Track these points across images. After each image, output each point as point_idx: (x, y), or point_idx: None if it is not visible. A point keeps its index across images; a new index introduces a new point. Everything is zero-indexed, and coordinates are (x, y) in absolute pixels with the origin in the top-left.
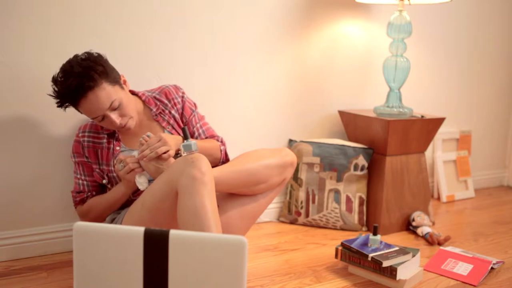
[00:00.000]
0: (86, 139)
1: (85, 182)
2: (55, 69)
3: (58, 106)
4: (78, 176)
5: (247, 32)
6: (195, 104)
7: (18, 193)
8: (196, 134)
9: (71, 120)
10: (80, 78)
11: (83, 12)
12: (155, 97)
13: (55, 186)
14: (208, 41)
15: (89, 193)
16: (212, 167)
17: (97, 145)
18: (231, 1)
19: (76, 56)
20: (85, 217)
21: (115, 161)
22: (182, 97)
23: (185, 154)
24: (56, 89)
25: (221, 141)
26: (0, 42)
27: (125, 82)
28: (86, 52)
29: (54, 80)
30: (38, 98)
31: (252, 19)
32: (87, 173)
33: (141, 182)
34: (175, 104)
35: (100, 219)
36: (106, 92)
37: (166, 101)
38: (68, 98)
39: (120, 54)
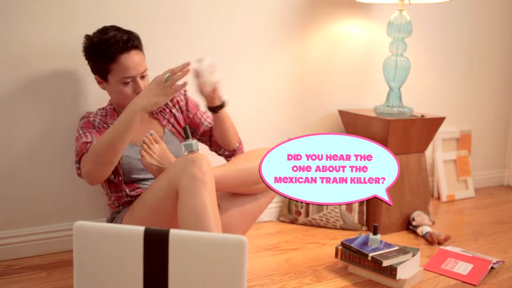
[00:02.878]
0: (97, 119)
1: (90, 138)
2: (55, 69)
3: (92, 58)
4: (84, 140)
5: (247, 32)
6: (198, 104)
7: (18, 193)
8: (206, 123)
9: (70, 119)
10: (129, 36)
11: (83, 12)
12: None
13: (55, 186)
14: (208, 41)
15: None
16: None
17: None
18: (231, 1)
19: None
20: (87, 160)
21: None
22: (185, 95)
23: (186, 154)
24: (101, 39)
25: (240, 143)
26: (0, 42)
27: None
28: None
29: (96, 34)
30: (38, 98)
31: (252, 19)
32: (96, 137)
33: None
34: (177, 102)
35: (101, 157)
36: (143, 59)
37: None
38: (114, 48)
39: None
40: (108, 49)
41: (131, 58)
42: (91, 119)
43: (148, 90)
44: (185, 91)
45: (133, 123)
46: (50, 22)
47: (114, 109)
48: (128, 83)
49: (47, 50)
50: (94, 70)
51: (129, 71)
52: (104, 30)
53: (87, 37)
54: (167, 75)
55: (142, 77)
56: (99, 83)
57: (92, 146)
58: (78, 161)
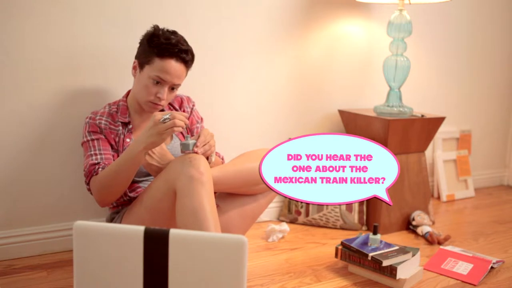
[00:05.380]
0: (103, 122)
1: (98, 156)
2: (58, 69)
3: (146, 43)
4: (92, 153)
5: (247, 31)
6: (201, 119)
7: (18, 192)
8: None
9: (72, 118)
10: (188, 51)
11: (84, 13)
12: (169, 102)
13: (56, 185)
14: (209, 41)
15: (101, 162)
16: None
17: (113, 131)
18: (231, 1)
19: None
20: (96, 192)
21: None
22: (192, 108)
23: (183, 153)
24: (166, 35)
25: (222, 159)
26: (0, 41)
27: None
28: None
29: (165, 30)
30: (38, 97)
31: (252, 19)
32: (103, 147)
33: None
34: (184, 111)
35: (110, 188)
36: (183, 76)
37: (177, 107)
38: (168, 49)
39: (121, 54)
40: (164, 45)
41: (174, 66)
42: (97, 121)
43: (146, 130)
44: (193, 104)
45: (137, 162)
46: (51, 22)
47: (127, 107)
48: (157, 83)
49: (49, 50)
50: (138, 55)
51: (165, 75)
52: (173, 32)
53: (156, 27)
54: (165, 116)
55: (172, 88)
56: (133, 68)
57: (100, 179)
58: (88, 182)
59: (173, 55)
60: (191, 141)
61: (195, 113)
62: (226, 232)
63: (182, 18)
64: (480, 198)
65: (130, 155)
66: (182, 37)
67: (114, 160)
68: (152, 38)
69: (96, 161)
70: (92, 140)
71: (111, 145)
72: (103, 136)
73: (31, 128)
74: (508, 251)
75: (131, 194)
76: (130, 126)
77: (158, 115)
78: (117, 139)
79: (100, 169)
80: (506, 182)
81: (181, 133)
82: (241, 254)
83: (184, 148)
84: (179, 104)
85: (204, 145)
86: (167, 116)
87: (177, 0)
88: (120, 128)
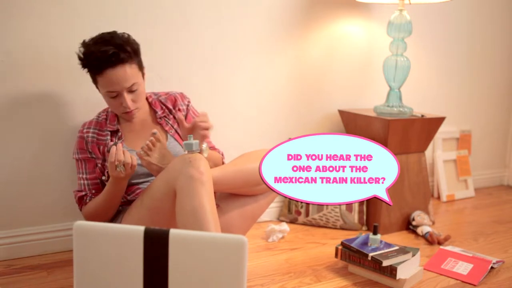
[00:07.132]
0: (90, 134)
1: (85, 182)
2: (54, 69)
3: (83, 67)
4: (80, 176)
5: (247, 31)
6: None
7: (18, 192)
8: None
9: (72, 118)
10: (118, 49)
11: (84, 13)
12: (161, 101)
13: (56, 185)
14: (209, 41)
15: (88, 192)
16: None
17: (101, 142)
18: (231, 1)
19: (115, 31)
20: (89, 218)
21: (108, 160)
22: (187, 105)
23: (185, 153)
24: (89, 51)
25: (222, 155)
26: (0, 41)
27: (144, 74)
28: (126, 33)
29: (89, 43)
30: (38, 96)
31: (252, 19)
32: (89, 170)
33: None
34: (179, 110)
35: (104, 218)
36: (132, 72)
37: (171, 107)
38: (97, 63)
39: None
40: (93, 61)
41: (115, 73)
42: (85, 134)
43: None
44: (188, 101)
45: (120, 186)
46: (51, 23)
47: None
48: (114, 96)
49: (49, 50)
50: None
51: (113, 86)
52: (96, 40)
53: (82, 44)
54: (118, 169)
55: (131, 91)
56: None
57: (89, 210)
58: (80, 209)
59: (104, 66)
60: (194, 141)
61: (191, 110)
62: (226, 232)
63: (182, 18)
64: (480, 198)
65: (112, 184)
66: (107, 37)
67: (98, 176)
68: (81, 60)
69: (84, 193)
70: (80, 160)
71: (97, 163)
72: (88, 156)
73: (30, 127)
74: (508, 251)
75: (131, 197)
76: (120, 134)
77: (112, 171)
78: (106, 150)
79: (87, 199)
80: (506, 182)
81: (177, 132)
82: (241, 254)
83: (188, 148)
84: (172, 104)
85: (203, 122)
86: (122, 167)
87: (177, 0)
88: (109, 137)
